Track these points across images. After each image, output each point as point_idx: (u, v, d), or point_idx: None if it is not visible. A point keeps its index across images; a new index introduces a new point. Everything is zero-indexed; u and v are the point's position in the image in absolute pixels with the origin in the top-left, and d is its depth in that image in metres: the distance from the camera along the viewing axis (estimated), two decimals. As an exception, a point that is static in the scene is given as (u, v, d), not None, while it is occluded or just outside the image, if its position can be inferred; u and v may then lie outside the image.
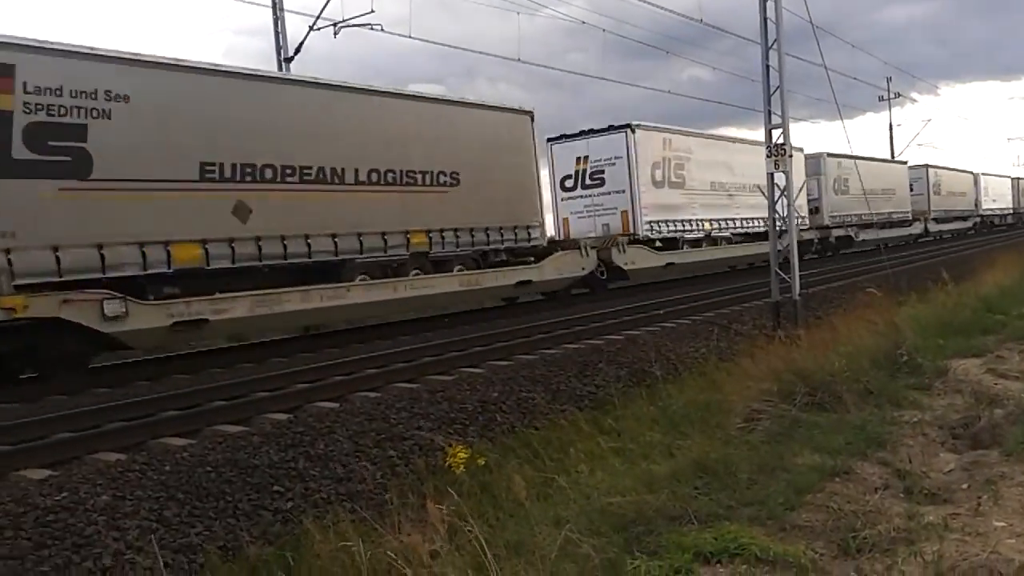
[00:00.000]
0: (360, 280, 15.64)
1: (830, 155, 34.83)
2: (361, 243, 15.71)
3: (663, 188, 24.50)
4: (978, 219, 54.79)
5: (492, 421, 8.62)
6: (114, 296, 11.71)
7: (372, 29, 21.03)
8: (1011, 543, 4.68)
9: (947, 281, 15.67)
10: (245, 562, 5.61)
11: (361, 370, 10.79)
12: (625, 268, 22.12)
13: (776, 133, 14.48)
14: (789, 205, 14.72)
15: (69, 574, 5.12)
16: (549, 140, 24.20)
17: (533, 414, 8.96)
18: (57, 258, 11.46)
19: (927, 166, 46.74)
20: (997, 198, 59.01)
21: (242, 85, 14.37)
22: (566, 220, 24.46)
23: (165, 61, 13.28)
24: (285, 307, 13.95)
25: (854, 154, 34.97)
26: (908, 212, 42.38)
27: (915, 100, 67.38)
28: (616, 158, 23.32)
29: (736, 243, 28.11)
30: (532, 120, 20.38)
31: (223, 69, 14.25)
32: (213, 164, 13.56)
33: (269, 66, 20.24)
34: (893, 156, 50.80)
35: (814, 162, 34.15)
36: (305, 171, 14.95)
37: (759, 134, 31.63)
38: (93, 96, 12.06)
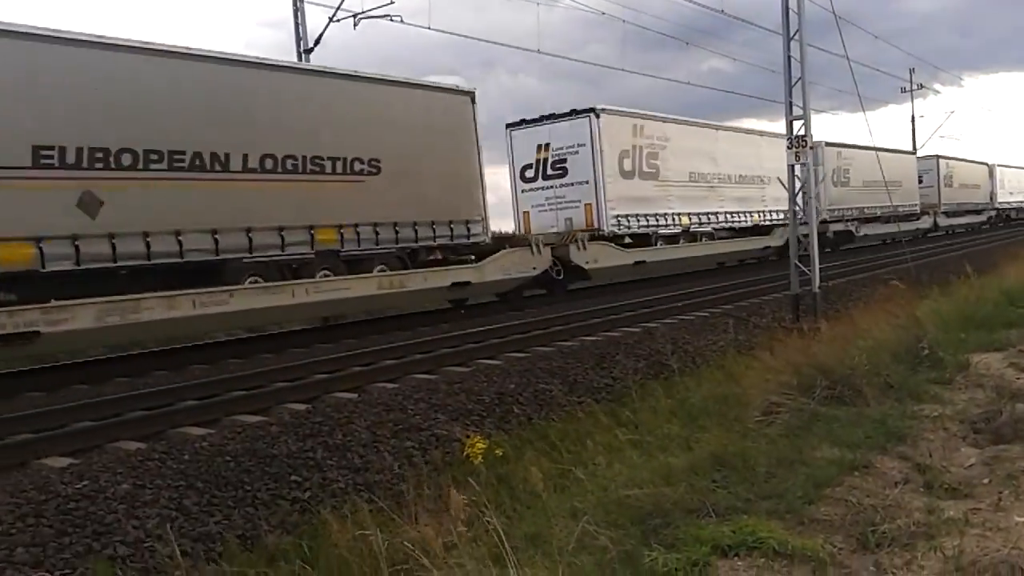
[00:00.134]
0: (250, 283, 13.64)
1: (828, 144, 32.90)
2: (251, 240, 13.63)
3: (633, 179, 22.46)
4: (993, 212, 52.66)
5: (509, 413, 8.62)
6: None
7: (391, 20, 21.06)
8: (1033, 539, 4.63)
9: (969, 274, 15.53)
10: (264, 551, 5.64)
11: (379, 361, 10.83)
12: (586, 267, 20.18)
13: (797, 124, 14.38)
14: (809, 197, 14.59)
15: (90, 561, 5.16)
16: (508, 126, 22.58)
17: (550, 406, 8.95)
18: None
19: (937, 156, 44.77)
20: (1015, 191, 56.55)
21: (94, 56, 12.06)
22: (526, 214, 22.53)
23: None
24: (145, 316, 11.74)
25: (855, 143, 33.68)
26: (916, 205, 40.47)
27: (938, 91, 66.67)
28: (579, 145, 21.36)
29: (721, 239, 26.36)
30: (473, 101, 18.03)
31: (66, 36, 11.82)
32: (51, 148, 11.42)
33: (288, 58, 20.17)
34: (915, 148, 49.57)
35: (811, 152, 32.98)
36: (176, 157, 12.72)
37: (779, 126, 30.77)
38: None
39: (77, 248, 11.57)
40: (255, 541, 5.78)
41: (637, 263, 22.17)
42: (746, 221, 27.21)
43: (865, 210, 34.61)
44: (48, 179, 11.40)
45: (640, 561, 4.45)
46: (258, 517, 6.02)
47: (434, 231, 16.86)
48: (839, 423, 7.12)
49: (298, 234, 14.40)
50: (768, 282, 18.61)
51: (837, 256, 28.83)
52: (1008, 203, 55.17)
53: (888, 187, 35.23)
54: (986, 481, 5.68)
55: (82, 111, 11.74)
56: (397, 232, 16.07)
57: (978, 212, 50.46)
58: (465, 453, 6.88)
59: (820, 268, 14.48)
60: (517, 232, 22.03)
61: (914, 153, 42.37)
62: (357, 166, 15.45)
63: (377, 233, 15.70)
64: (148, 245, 12.28)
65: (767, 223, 28.34)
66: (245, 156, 13.68)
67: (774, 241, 28.30)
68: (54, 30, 11.72)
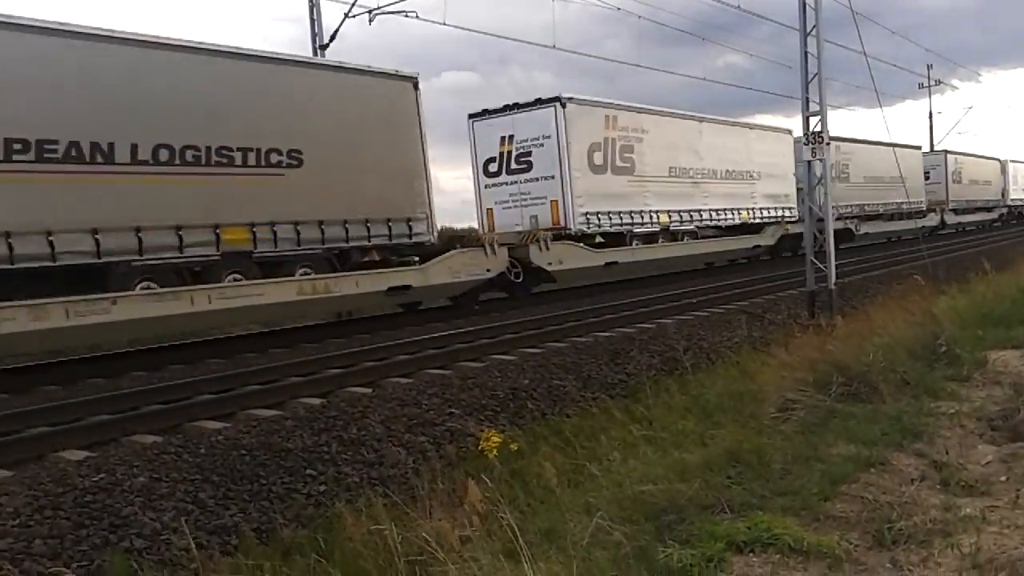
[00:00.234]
0: (141, 288, 12.03)
1: None
2: (140, 241, 12.04)
3: (604, 174, 20.78)
4: (1005, 210, 50.59)
5: (523, 408, 8.63)
6: None
7: (407, 16, 21.03)
8: (1051, 537, 4.60)
9: (987, 271, 15.43)
10: (279, 544, 5.67)
11: (393, 356, 10.84)
12: (549, 269, 18.62)
13: (814, 120, 14.31)
14: (826, 194, 14.54)
15: (107, 554, 5.20)
16: (471, 117, 20.85)
17: (564, 401, 8.96)
18: None
19: (945, 152, 43.11)
20: (1029, 187, 54.28)
21: None
22: (490, 211, 20.86)
23: None
24: (4, 328, 10.17)
25: (855, 136, 32.29)
26: (922, 202, 38.25)
27: (956, 87, 66.27)
28: (544, 138, 19.71)
29: (706, 238, 24.90)
30: (416, 88, 16.29)
31: None
32: None
33: (304, 53, 20.19)
34: (932, 145, 48.81)
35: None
36: (47, 146, 11.17)
37: (795, 122, 29.90)
38: None
39: None
40: (270, 534, 5.81)
41: (609, 264, 20.67)
42: (734, 219, 25.73)
43: (866, 207, 33.01)
44: None
45: (654, 557, 4.45)
46: (273, 510, 6.06)
47: (369, 230, 15.24)
48: (855, 420, 7.08)
49: (200, 234, 12.80)
50: (784, 278, 18.53)
51: (853, 253, 28.56)
52: (1021, 200, 53.21)
53: (891, 183, 33.98)
54: (1003, 479, 5.64)
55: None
56: (323, 231, 14.49)
57: (989, 209, 48.75)
58: (480, 447, 6.88)
59: (820, 266, 14.39)
60: (482, 231, 20.70)
61: (919, 148, 40.13)
62: (274, 158, 13.83)
63: (299, 232, 14.11)
64: (11, 247, 10.79)
65: (757, 221, 26.96)
66: (134, 146, 12.04)
67: (765, 240, 27.21)
68: None
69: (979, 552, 4.34)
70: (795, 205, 28.31)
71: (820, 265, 14.31)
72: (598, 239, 20.88)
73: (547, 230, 19.25)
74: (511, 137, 20.20)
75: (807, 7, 14.13)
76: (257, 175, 13.59)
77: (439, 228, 17.65)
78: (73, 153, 11.44)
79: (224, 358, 11.85)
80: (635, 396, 9.15)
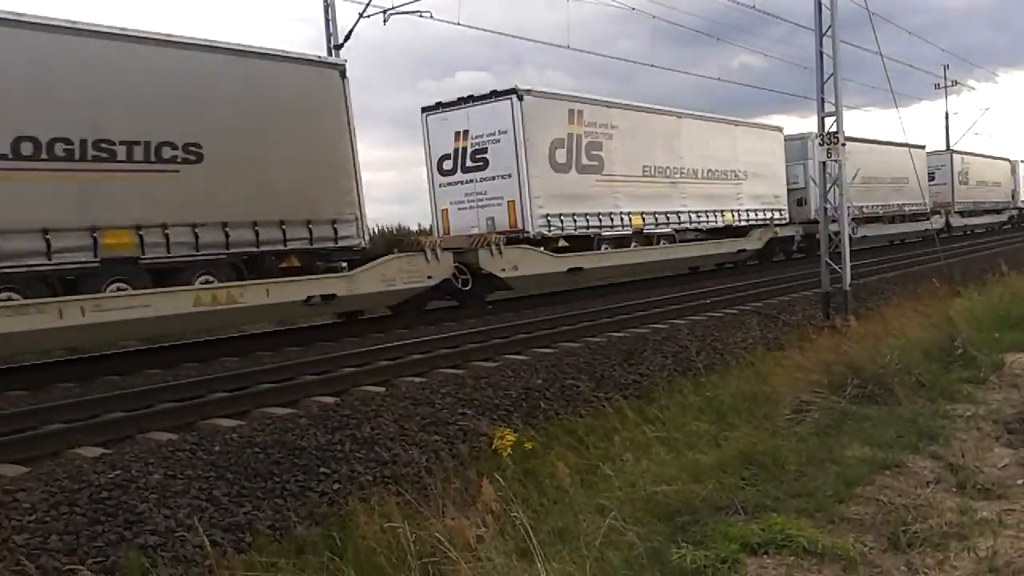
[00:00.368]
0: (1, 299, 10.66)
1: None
2: None
3: (568, 172, 19.32)
4: (1015, 212, 48.73)
5: (536, 408, 8.62)
6: None
7: (421, 16, 21.02)
8: (1069, 541, 4.56)
9: (1005, 273, 15.33)
10: (293, 542, 5.69)
11: (406, 355, 10.86)
12: (502, 275, 17.05)
13: (829, 121, 14.25)
14: (842, 195, 14.47)
15: (122, 550, 5.23)
16: (424, 110, 19.42)
17: (577, 401, 8.94)
18: None
19: (951, 151, 41.22)
20: (1041, 188, 51.74)
21: None
22: (445, 212, 19.39)
23: None
24: None
25: (853, 135, 31.21)
26: (925, 204, 36.38)
27: (973, 88, 65.73)
28: (500, 133, 18.18)
29: (685, 242, 23.28)
30: (343, 76, 14.73)
31: None
32: None
33: (320, 53, 20.22)
34: (949, 145, 48.26)
35: (798, 145, 28.71)
36: None
37: (810, 122, 29.27)
38: None
39: None
40: (284, 532, 5.82)
41: (572, 270, 19.00)
42: (716, 221, 24.29)
43: (864, 209, 31.30)
44: None
45: (668, 558, 4.45)
46: (287, 508, 6.07)
47: (285, 233, 13.65)
48: (870, 422, 7.07)
49: (74, 238, 11.28)
50: (799, 280, 18.46)
51: (868, 254, 28.27)
52: None
53: (892, 184, 32.99)
54: (1020, 482, 5.61)
55: None
56: (228, 234, 12.80)
57: (998, 211, 46.95)
58: (493, 447, 6.89)
59: (835, 267, 14.31)
60: (437, 233, 19.44)
61: (923, 148, 37.42)
62: (167, 152, 12.23)
63: (197, 236, 12.49)
64: None
65: (743, 223, 25.51)
66: None
67: (751, 244, 25.79)
68: None
69: (996, 556, 4.32)
70: (785, 207, 27.45)
71: (835, 266, 14.25)
72: (561, 243, 19.39)
73: (503, 233, 17.85)
74: (466, 132, 18.81)
75: (823, 7, 14.08)
76: (145, 172, 12.04)
77: (373, 231, 17.62)
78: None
79: (239, 356, 11.89)
80: (648, 397, 9.14)
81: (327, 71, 14.73)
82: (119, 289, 11.66)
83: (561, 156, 19.19)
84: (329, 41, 21.96)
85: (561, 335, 12.14)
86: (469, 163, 18.84)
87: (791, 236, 28.13)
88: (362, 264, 14.62)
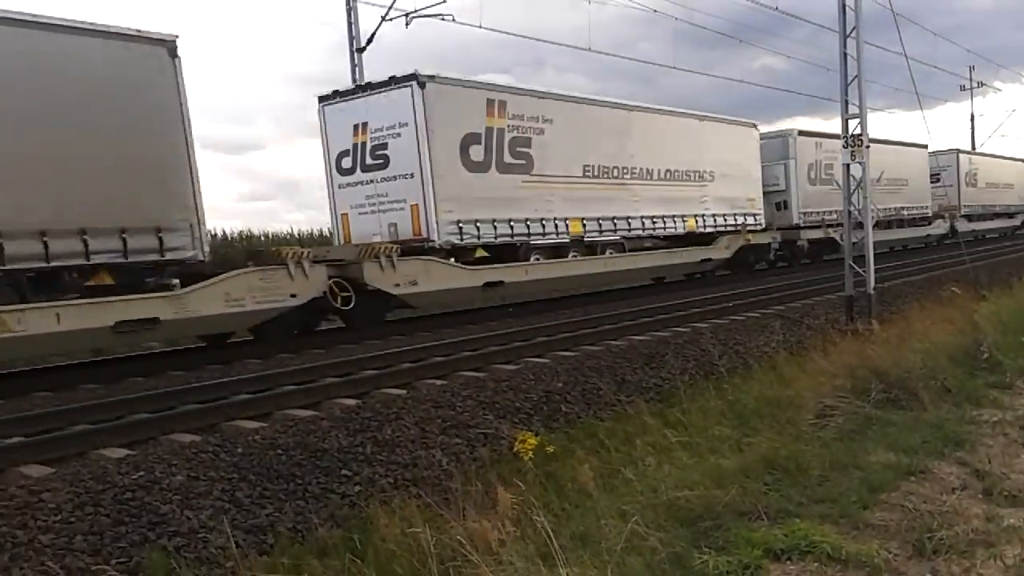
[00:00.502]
0: None
1: (803, 133, 27.13)
2: None
3: (487, 172, 16.79)
4: None
5: (557, 411, 8.61)
6: None
7: (443, 19, 21.11)
8: (1098, 549, 4.50)
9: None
10: (314, 544, 5.70)
11: (428, 358, 10.87)
12: (396, 292, 14.62)
13: (853, 123, 14.16)
14: (866, 198, 14.36)
15: (145, 551, 5.27)
16: (321, 100, 17.04)
17: (598, 405, 8.92)
18: None
19: (957, 151, 38.03)
20: (1058, 191, 47.04)
21: None
22: (345, 217, 17.04)
23: None
24: None
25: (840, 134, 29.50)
26: (926, 208, 34.33)
27: (999, 89, 65.11)
28: (401, 126, 15.79)
29: (637, 251, 20.78)
30: (173, 56, 11.99)
31: None
32: None
33: (342, 58, 20.27)
34: (974, 147, 46.97)
35: (778, 143, 26.59)
36: None
37: (834, 124, 28.44)
38: None
39: None
40: (306, 534, 5.84)
41: (490, 285, 16.43)
42: (676, 228, 21.81)
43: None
44: None
45: (690, 563, 4.43)
46: (309, 510, 6.09)
47: (87, 244, 11.04)
48: (895, 427, 7.01)
49: None
50: (822, 283, 18.34)
51: (893, 257, 27.88)
52: None
53: (889, 186, 29.42)
54: (1048, 489, 5.54)
55: None
56: (2, 246, 10.31)
57: (1010, 215, 43.70)
58: (515, 450, 6.88)
59: (859, 270, 14.21)
60: (337, 240, 17.21)
61: (925, 147, 34.94)
62: None
63: None
64: None
65: (708, 230, 23.02)
66: None
67: (717, 252, 23.24)
68: None
69: (1023, 563, 4.27)
70: (761, 211, 25.02)
71: (859, 270, 14.14)
72: (480, 253, 17.04)
73: (406, 242, 15.67)
74: (365, 125, 16.38)
75: (847, 8, 13.99)
76: None
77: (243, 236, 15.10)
78: None
79: (261, 358, 11.95)
80: (670, 400, 9.11)
81: (150, 48, 11.82)
82: None
83: (477, 153, 16.62)
84: (351, 44, 22.13)
85: (582, 338, 12.12)
86: (369, 161, 16.46)
87: (766, 244, 25.66)
88: (197, 281, 11.96)
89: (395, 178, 16.06)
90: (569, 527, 5.32)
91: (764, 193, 25.49)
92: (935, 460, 6.15)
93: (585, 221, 18.96)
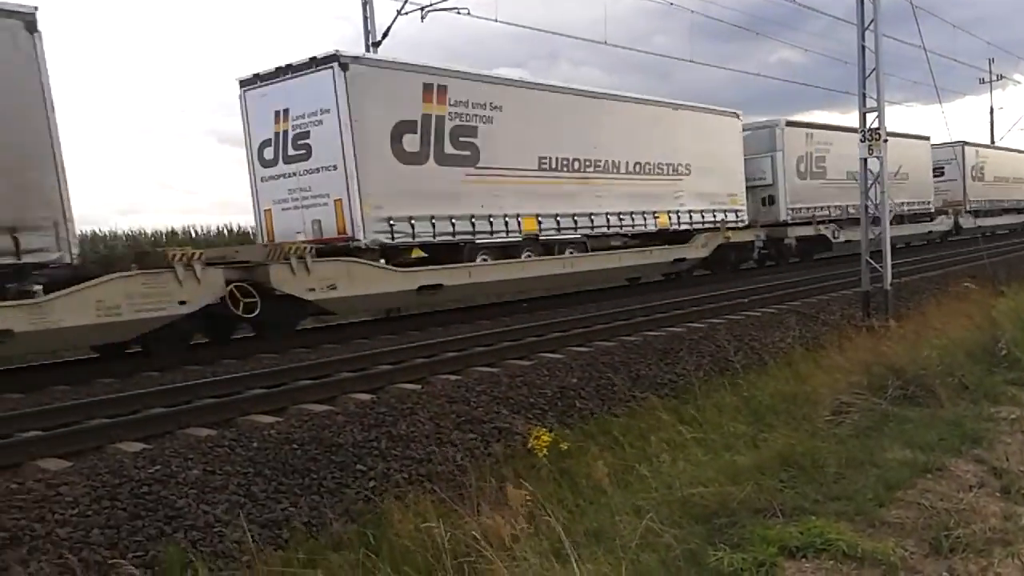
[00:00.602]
0: None
1: (792, 124, 25.52)
2: None
3: (424, 164, 15.16)
4: None
5: (571, 407, 8.60)
6: None
7: (459, 13, 21.07)
8: (1118, 549, 4.46)
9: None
10: (329, 538, 5.72)
11: (442, 353, 10.88)
12: (311, 298, 13.15)
13: (871, 117, 14.06)
14: (883, 192, 14.25)
15: (161, 544, 5.30)
16: (242, 85, 15.41)
17: (613, 401, 8.91)
18: None
19: (963, 143, 35.71)
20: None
21: None
22: (268, 213, 15.45)
23: None
24: None
25: (837, 124, 27.05)
26: (928, 203, 32.78)
27: (1019, 82, 64.41)
28: (322, 112, 14.28)
29: (603, 251, 19.19)
30: (32, 30, 10.31)
31: None
32: None
33: (357, 50, 20.19)
34: (993, 141, 46.17)
35: (765, 134, 24.98)
36: None
37: (851, 118, 27.85)
38: None
39: None
40: (321, 528, 5.86)
41: (427, 289, 14.94)
42: (647, 225, 20.17)
43: (850, 209, 26.43)
44: None
45: (705, 560, 4.42)
46: (324, 505, 6.11)
47: None
48: (911, 424, 6.97)
49: None
50: (839, 279, 18.23)
51: (909, 252, 27.55)
52: None
53: (890, 180, 28.21)
54: (1067, 487, 5.49)
55: None
56: None
57: (1020, 211, 41.34)
58: (529, 446, 6.88)
59: (876, 266, 14.11)
60: (261, 239, 15.53)
61: (927, 139, 33.17)
62: None
63: None
64: None
65: (684, 227, 21.42)
66: None
67: (693, 252, 21.72)
68: None
69: (1041, 563, 4.23)
70: (744, 207, 23.42)
71: (876, 265, 14.06)
72: (416, 253, 15.67)
73: (330, 241, 14.36)
74: (286, 112, 14.86)
75: (865, 1, 13.89)
76: None
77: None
78: None
79: (277, 353, 11.99)
80: (685, 396, 9.08)
81: (2, 22, 10.13)
82: None
83: (412, 143, 14.98)
84: (367, 38, 22.15)
85: (596, 334, 12.10)
86: (291, 151, 14.92)
87: (749, 242, 24.12)
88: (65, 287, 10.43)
89: (318, 170, 14.57)
90: (583, 523, 5.32)
91: (749, 188, 24.07)
92: (952, 457, 6.11)
93: (541, 218, 17.39)
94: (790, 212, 25.01)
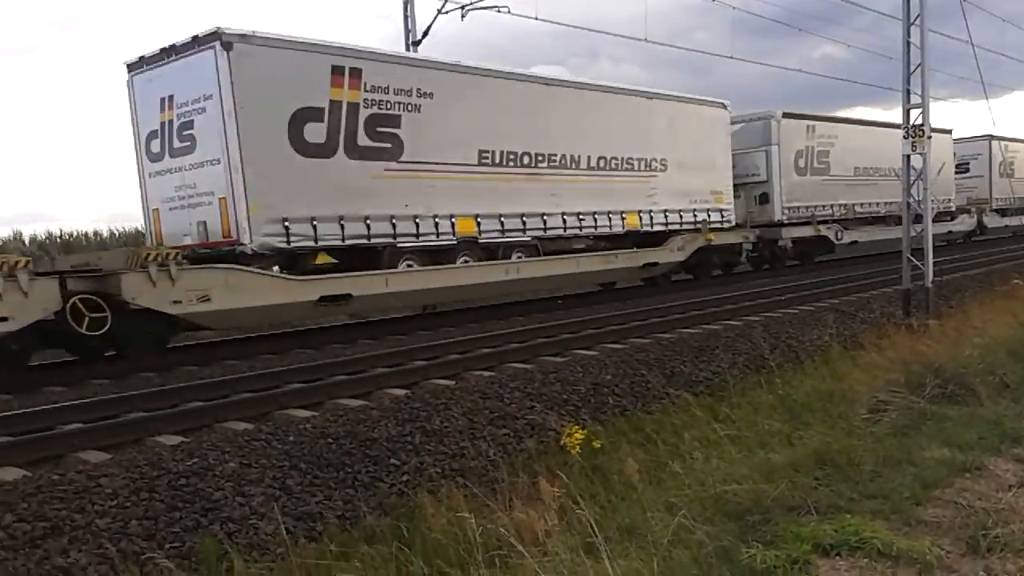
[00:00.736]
0: None
1: (790, 116, 23.38)
2: None
3: (331, 159, 13.26)
4: None
5: (604, 404, 8.59)
6: None
7: (499, 12, 21.05)
8: None
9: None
10: (363, 531, 5.77)
11: (476, 349, 10.92)
12: (177, 312, 11.16)
13: (914, 113, 13.85)
14: (926, 189, 14.04)
15: (198, 536, 5.38)
16: (130, 69, 13.56)
17: (646, 398, 8.88)
18: None
19: (990, 137, 33.17)
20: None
21: None
22: (156, 213, 13.64)
23: None
24: None
25: (844, 116, 25.35)
26: (950, 201, 30.16)
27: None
28: (206, 99, 12.41)
29: (559, 255, 17.00)
30: None
31: None
32: None
33: (398, 49, 20.22)
34: None
35: (759, 127, 23.05)
36: None
37: (894, 114, 26.56)
38: None
39: None
40: (355, 521, 5.91)
41: (329, 299, 12.85)
42: (612, 226, 18.09)
43: (857, 208, 25.21)
44: None
45: (738, 557, 4.39)
46: (358, 498, 6.16)
47: None
48: (950, 423, 6.87)
49: None
50: (879, 276, 18.00)
51: (954, 250, 26.78)
52: None
53: (900, 176, 26.04)
54: (1110, 488, 5.38)
55: None
56: None
57: None
58: (562, 443, 6.89)
59: (917, 263, 13.89)
60: (150, 242, 13.76)
61: (949, 132, 30.32)
62: None
63: None
64: None
65: (658, 228, 19.35)
66: None
67: (666, 255, 19.39)
68: None
69: (1082, 564, 4.15)
70: (730, 206, 21.41)
71: (917, 263, 13.86)
72: (323, 259, 13.73)
73: (212, 245, 12.68)
74: (171, 99, 12.98)
75: (910, -4, 13.68)
76: None
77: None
78: None
79: (314, 348, 12.11)
80: (719, 394, 9.03)
81: None
82: None
83: (316, 133, 13.11)
84: (407, 38, 22.24)
85: (631, 331, 12.07)
86: (176, 143, 13.04)
87: (735, 244, 21.97)
88: None
89: (202, 165, 12.70)
90: (615, 519, 5.31)
91: (742, 185, 22.46)
92: (991, 456, 6.01)
93: (481, 219, 15.43)
94: (786, 211, 23.19)
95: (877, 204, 26.23)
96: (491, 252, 15.80)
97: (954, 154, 31.04)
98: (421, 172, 14.51)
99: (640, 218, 18.82)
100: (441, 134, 14.80)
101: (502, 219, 15.81)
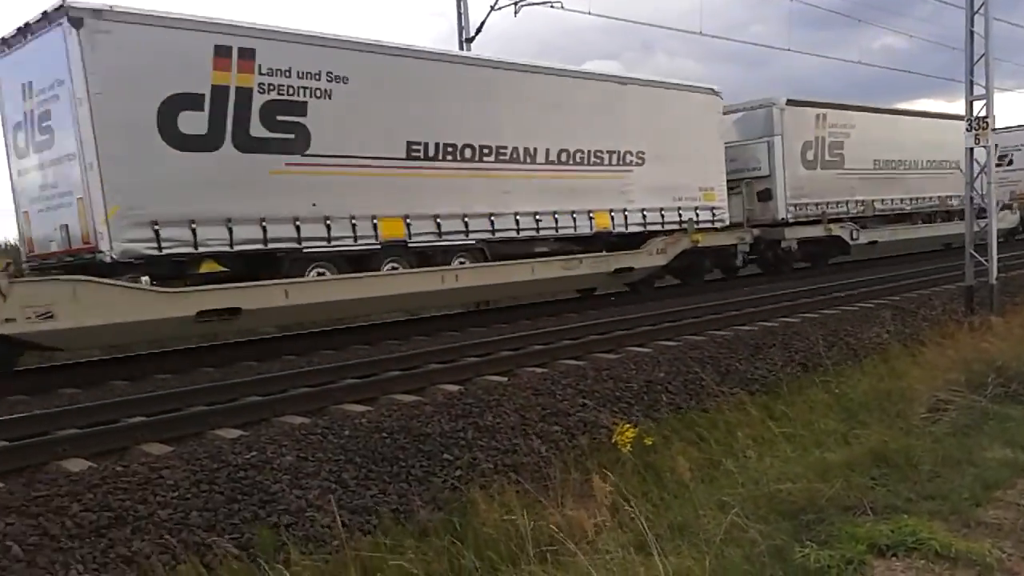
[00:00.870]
0: None
1: (795, 103, 20.92)
2: None
3: (218, 151, 11.56)
4: None
5: (657, 401, 8.55)
6: None
7: (552, 7, 21.07)
8: None
9: None
10: (416, 525, 5.84)
11: (528, 346, 10.95)
12: (12, 332, 9.63)
13: (978, 105, 13.52)
14: (990, 183, 13.70)
15: (256, 527, 5.50)
16: None
17: (700, 396, 8.82)
18: None
19: None
20: None
21: None
22: (27, 215, 12.11)
23: None
24: None
25: (861, 104, 22.53)
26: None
27: None
28: (58, 84, 10.86)
29: (515, 260, 14.93)
30: None
31: None
32: None
33: (451, 47, 20.35)
34: None
35: (760, 115, 20.82)
36: None
37: (957, 106, 25.51)
38: None
39: None
40: (408, 515, 5.99)
41: (211, 314, 11.03)
42: (578, 227, 16.08)
43: (877, 204, 22.95)
44: None
45: (791, 557, 4.36)
46: (411, 493, 6.24)
47: None
48: (1013, 422, 6.72)
49: None
50: (943, 271, 17.60)
51: (1016, 247, 25.80)
52: None
53: (927, 169, 24.27)
54: None
55: None
56: None
57: None
58: (613, 440, 6.89)
59: (981, 259, 13.55)
60: (22, 248, 12.54)
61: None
62: None
63: None
64: None
65: (634, 228, 17.21)
66: None
67: (644, 260, 17.17)
68: None
69: None
70: (724, 204, 19.25)
71: (981, 259, 13.53)
72: (209, 267, 11.61)
73: (75, 252, 11.08)
74: (31, 86, 11.45)
75: (975, -16, 13.36)
76: None
77: None
78: None
79: (369, 344, 12.26)
80: (774, 392, 8.94)
81: None
82: None
83: (194, 123, 11.38)
84: (460, 35, 22.37)
85: (685, 328, 11.99)
86: (38, 136, 11.52)
87: (729, 246, 19.47)
88: None
89: (60, 161, 11.14)
90: (667, 517, 5.30)
91: (742, 180, 20.42)
92: (1057, 458, 5.87)
93: (410, 220, 13.57)
94: (791, 209, 20.79)
95: (902, 200, 24.33)
96: (426, 258, 13.96)
97: (996, 146, 29.50)
98: (333, 167, 12.70)
99: (612, 218, 16.82)
100: (359, 124, 12.96)
101: (438, 220, 13.97)
